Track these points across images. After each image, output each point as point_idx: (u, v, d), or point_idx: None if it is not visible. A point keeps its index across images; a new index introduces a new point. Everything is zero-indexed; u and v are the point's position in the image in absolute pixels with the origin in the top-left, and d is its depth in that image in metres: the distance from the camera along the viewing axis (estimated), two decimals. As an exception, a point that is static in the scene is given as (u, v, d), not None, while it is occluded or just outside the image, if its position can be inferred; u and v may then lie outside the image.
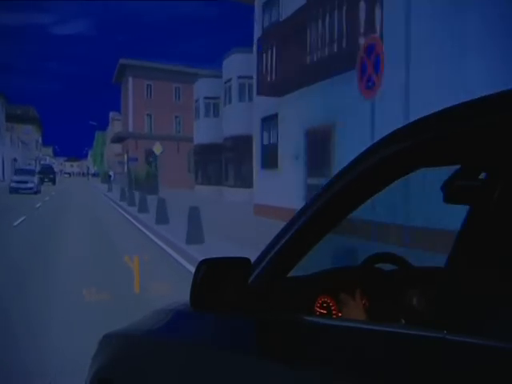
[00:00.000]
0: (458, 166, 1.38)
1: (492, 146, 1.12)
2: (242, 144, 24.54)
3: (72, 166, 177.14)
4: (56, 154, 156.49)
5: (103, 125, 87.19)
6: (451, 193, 1.41)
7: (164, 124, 46.69)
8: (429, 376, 0.99)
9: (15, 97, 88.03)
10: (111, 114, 73.80)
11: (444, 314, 1.33)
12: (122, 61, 46.23)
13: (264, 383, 1.32)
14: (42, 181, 40.77)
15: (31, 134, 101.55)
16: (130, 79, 46.05)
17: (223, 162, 28.98)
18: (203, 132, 33.38)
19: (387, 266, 1.93)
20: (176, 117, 48.15)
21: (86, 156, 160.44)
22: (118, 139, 51.59)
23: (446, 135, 1.15)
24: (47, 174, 56.52)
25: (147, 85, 46.10)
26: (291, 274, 1.50)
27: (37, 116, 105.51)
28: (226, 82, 27.13)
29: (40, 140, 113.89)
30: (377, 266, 1.94)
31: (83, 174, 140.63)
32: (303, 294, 1.67)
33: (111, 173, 61.28)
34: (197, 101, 34.49)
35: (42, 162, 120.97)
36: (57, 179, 58.18)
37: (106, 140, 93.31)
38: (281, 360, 1.30)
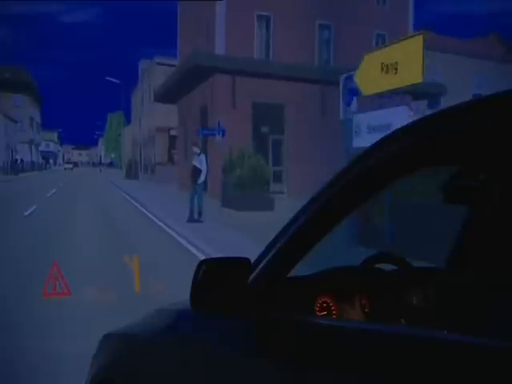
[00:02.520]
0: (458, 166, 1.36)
1: (492, 146, 1.12)
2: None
3: (80, 154, 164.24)
4: (62, 141, 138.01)
5: (128, 81, 69.13)
6: (451, 193, 1.41)
7: (297, 40, 23.28)
8: (429, 376, 0.99)
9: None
10: (142, 63, 50.59)
11: (444, 313, 1.35)
12: None
13: (264, 383, 1.32)
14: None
15: (24, 106, 70.51)
16: None
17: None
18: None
19: (387, 266, 1.91)
20: (325, 27, 19.42)
21: (96, 143, 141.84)
22: (169, 92, 28.48)
23: (446, 135, 1.15)
24: None
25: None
26: (291, 274, 1.49)
27: (31, 81, 73.71)
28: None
29: (38, 118, 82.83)
30: (377, 266, 1.91)
31: (93, 163, 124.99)
32: (303, 294, 1.65)
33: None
34: None
35: (42, 149, 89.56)
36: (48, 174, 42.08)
37: (121, 120, 76.57)
38: (281, 360, 1.30)
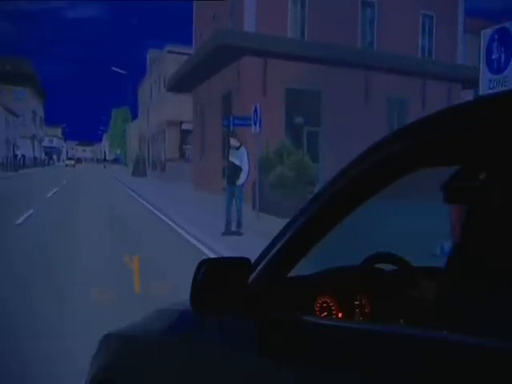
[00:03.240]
0: (458, 166, 1.42)
1: (492, 146, 1.15)
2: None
3: (84, 150, 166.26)
4: (66, 137, 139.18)
5: (135, 73, 68.64)
6: (451, 193, 1.42)
7: (337, 18, 20.04)
8: (429, 376, 1.03)
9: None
10: (151, 53, 49.21)
11: (444, 313, 1.38)
12: None
13: (264, 383, 1.38)
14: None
15: (25, 99, 68.37)
16: None
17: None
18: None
19: (387, 266, 1.95)
20: (368, 4, 19.72)
21: (100, 139, 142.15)
22: (184, 80, 25.30)
23: (446, 135, 1.19)
24: None
25: None
26: (291, 274, 1.55)
27: (33, 73, 71.47)
28: None
29: (41, 112, 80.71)
30: (377, 266, 1.98)
31: (97, 159, 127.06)
32: (303, 294, 1.71)
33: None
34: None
35: (45, 144, 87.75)
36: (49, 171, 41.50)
37: (127, 116, 71.71)
38: (281, 360, 1.35)
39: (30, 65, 73.25)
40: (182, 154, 36.41)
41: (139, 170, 42.72)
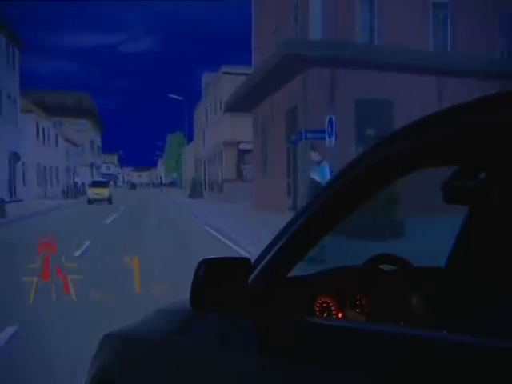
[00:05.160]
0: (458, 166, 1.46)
1: (492, 145, 1.17)
2: None
3: (140, 176, 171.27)
4: (122, 163, 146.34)
5: (190, 97, 71.35)
6: (451, 193, 1.44)
7: (407, 21, 18.27)
8: (429, 376, 1.04)
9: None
10: (206, 76, 51.30)
11: (444, 313, 1.39)
12: None
13: (264, 383, 1.39)
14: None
15: (85, 130, 70.59)
16: None
17: None
18: None
19: (387, 266, 1.96)
20: (440, 5, 16.16)
21: (155, 164, 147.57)
22: (243, 100, 24.86)
23: (446, 135, 1.19)
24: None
25: None
26: (291, 274, 1.58)
27: (93, 106, 74.19)
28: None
29: (98, 141, 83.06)
30: (377, 266, 2.00)
31: (153, 184, 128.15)
32: (303, 294, 1.72)
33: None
34: None
35: (103, 171, 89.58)
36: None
37: (182, 141, 75.40)
38: (281, 360, 1.36)
39: (90, 98, 76.05)
40: (240, 174, 37.30)
41: (196, 191, 44.15)
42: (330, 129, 12.28)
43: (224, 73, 38.26)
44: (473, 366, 0.96)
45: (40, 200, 39.26)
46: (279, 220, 8.77)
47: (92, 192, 37.47)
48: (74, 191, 53.52)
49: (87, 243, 12.97)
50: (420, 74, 17.74)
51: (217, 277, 1.44)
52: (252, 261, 1.52)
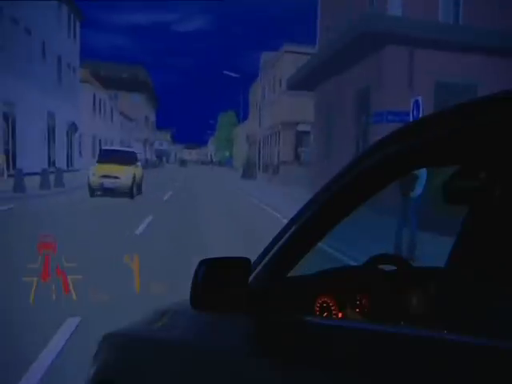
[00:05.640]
0: (458, 166, 1.45)
1: (492, 145, 1.16)
2: None
3: (190, 153, 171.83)
4: (175, 140, 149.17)
5: (247, 76, 61.93)
6: (451, 193, 1.45)
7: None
8: (429, 376, 1.04)
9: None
10: (265, 55, 47.50)
11: (444, 313, 1.39)
12: None
13: (264, 383, 1.40)
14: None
15: (140, 106, 70.92)
16: None
17: None
18: None
19: (387, 267, 1.94)
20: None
21: (205, 142, 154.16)
22: (307, 78, 23.24)
23: (447, 135, 1.18)
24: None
25: None
26: (291, 274, 1.57)
27: (148, 80, 74.18)
28: None
29: (153, 117, 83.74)
30: (377, 266, 1.99)
31: (202, 162, 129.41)
32: (303, 294, 1.72)
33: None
34: None
35: (156, 147, 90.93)
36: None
37: (233, 120, 75.72)
38: (281, 360, 1.36)
39: (146, 72, 76.04)
40: (297, 157, 35.69)
41: (249, 172, 43.17)
42: (415, 111, 11.18)
43: (286, 51, 37.35)
44: (473, 366, 0.97)
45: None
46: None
47: (97, 173, 19.14)
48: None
49: (150, 218, 13.36)
50: (507, 57, 16.51)
51: (217, 277, 1.44)
52: (252, 261, 1.53)
